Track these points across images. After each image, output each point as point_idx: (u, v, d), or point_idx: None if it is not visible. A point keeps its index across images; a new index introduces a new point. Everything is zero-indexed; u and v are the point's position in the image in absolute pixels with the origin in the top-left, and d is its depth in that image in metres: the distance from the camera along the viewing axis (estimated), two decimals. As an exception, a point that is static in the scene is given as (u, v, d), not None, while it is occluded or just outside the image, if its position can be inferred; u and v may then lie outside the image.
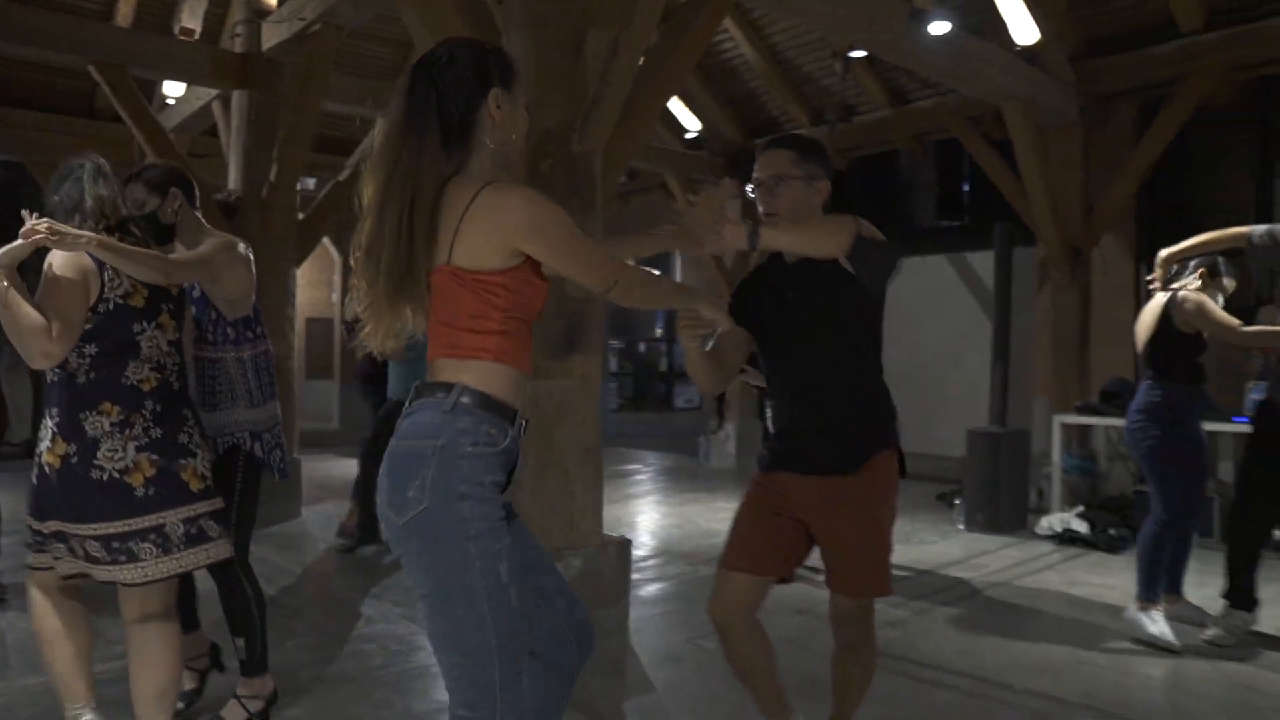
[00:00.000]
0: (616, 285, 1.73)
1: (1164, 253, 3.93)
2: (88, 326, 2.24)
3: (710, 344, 2.24)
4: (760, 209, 2.26)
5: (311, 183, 9.27)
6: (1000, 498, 6.11)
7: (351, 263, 1.79)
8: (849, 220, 2.01)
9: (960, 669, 3.44)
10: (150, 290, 2.36)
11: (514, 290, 1.66)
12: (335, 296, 14.18)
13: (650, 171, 9.95)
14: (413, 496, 1.58)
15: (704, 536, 5.95)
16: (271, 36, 6.11)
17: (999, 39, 6.60)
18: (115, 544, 2.22)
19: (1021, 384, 7.37)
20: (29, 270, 2.17)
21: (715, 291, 2.59)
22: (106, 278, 2.27)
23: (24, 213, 2.07)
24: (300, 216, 6.83)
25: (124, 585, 2.27)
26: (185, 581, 2.93)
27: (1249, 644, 3.75)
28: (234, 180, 6.32)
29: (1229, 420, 5.76)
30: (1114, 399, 6.23)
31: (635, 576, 4.49)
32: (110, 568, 2.24)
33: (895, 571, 4.94)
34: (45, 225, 2.02)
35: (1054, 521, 5.98)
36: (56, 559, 2.33)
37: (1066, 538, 5.79)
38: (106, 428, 2.23)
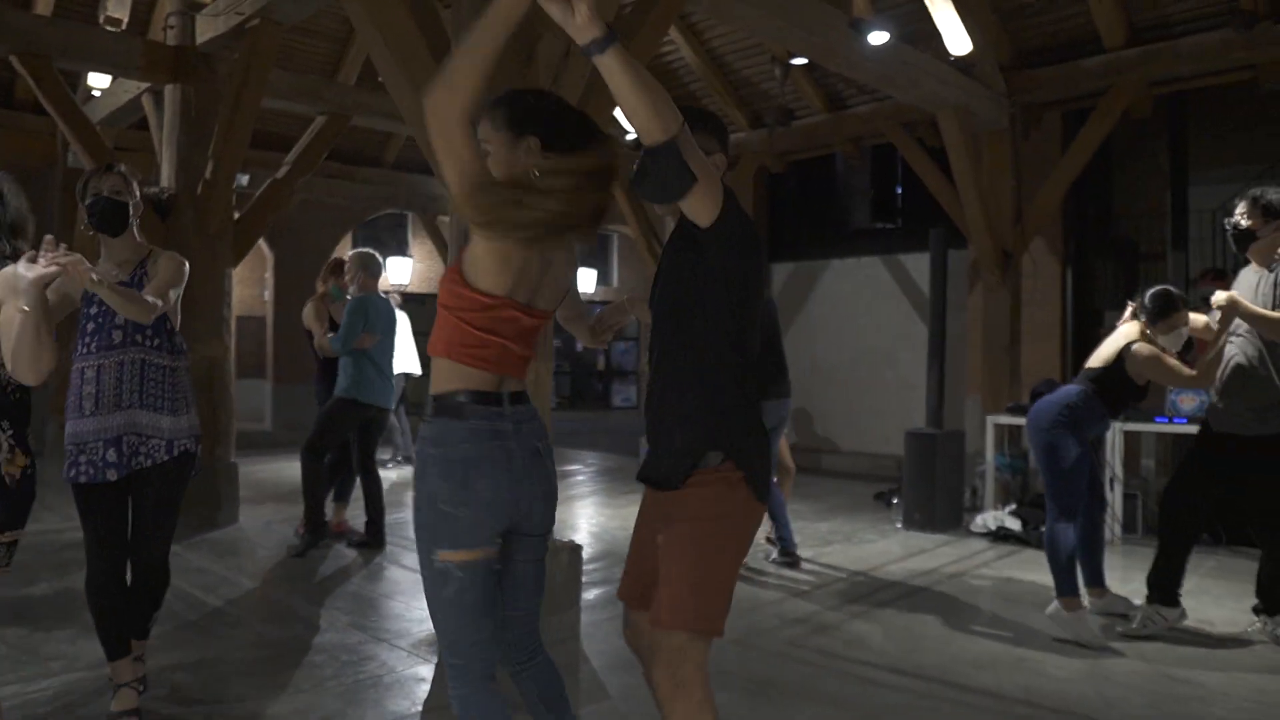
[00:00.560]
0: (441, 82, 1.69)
1: (1221, 298, 3.78)
2: None
3: None
4: None
5: (245, 179, 9.04)
6: (937, 497, 6.28)
7: None
8: (675, 115, 1.67)
9: (905, 668, 3.54)
10: None
11: None
12: (267, 295, 13.84)
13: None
14: None
15: (649, 538, 5.98)
16: (206, 30, 5.96)
17: (933, 49, 6.79)
18: None
19: (954, 383, 7.58)
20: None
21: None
22: None
23: (49, 238, 2.03)
24: (236, 215, 6.69)
25: None
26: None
27: (1172, 636, 3.93)
28: (167, 177, 6.15)
29: (1150, 420, 6.02)
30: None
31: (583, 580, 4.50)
32: None
33: (830, 573, 5.13)
34: (78, 260, 2.01)
35: (988, 519, 6.18)
36: None
37: (1000, 535, 5.98)
38: None
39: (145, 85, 6.65)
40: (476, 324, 1.85)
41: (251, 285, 14.90)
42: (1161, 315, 4.01)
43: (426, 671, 3.43)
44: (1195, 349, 6.21)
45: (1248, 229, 3.82)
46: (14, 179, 2.34)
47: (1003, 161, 7.39)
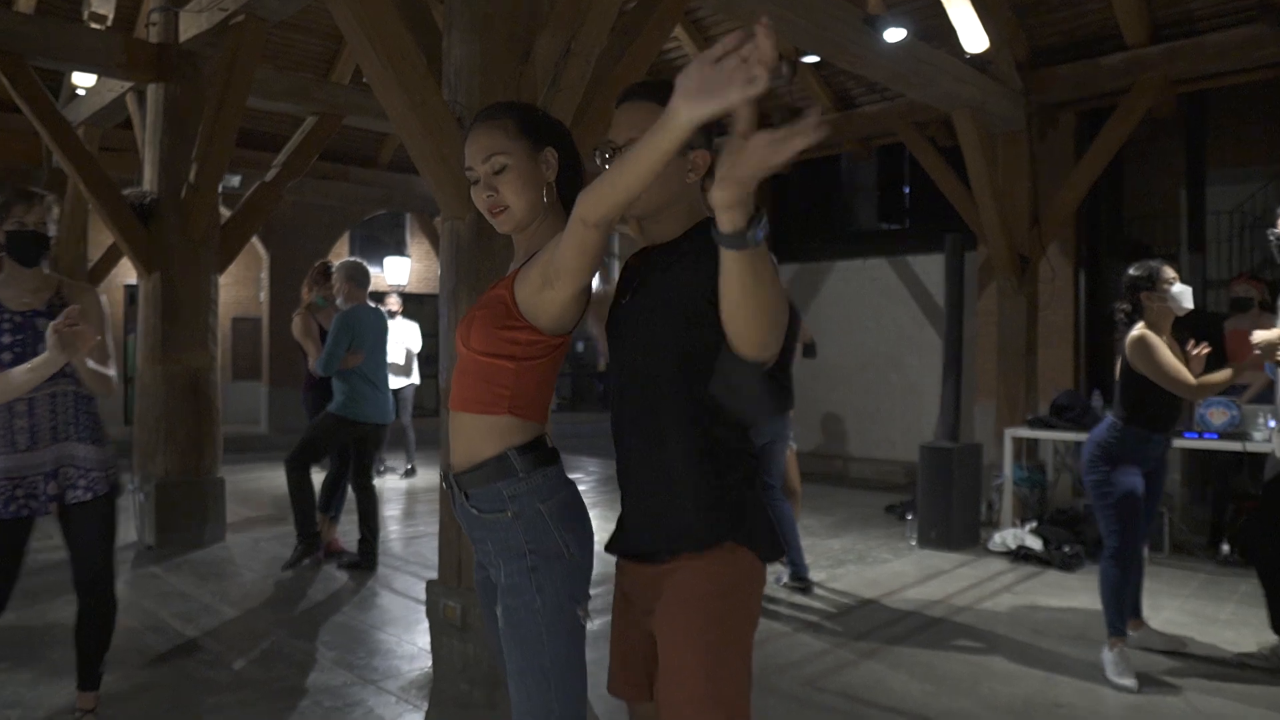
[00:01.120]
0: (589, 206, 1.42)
1: (1261, 338, 3.58)
2: None
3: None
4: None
5: (237, 180, 8.80)
6: (953, 514, 6.02)
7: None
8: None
9: (933, 714, 3.28)
10: None
11: None
12: (263, 295, 13.62)
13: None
14: None
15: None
16: (190, 27, 5.69)
17: (948, 46, 6.52)
18: None
19: (963, 389, 7.33)
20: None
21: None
22: None
23: (73, 310, 2.35)
24: (229, 213, 6.43)
25: None
26: None
27: (1209, 670, 3.67)
28: (149, 180, 5.88)
29: (1179, 436, 5.75)
30: (1064, 412, 6.19)
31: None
32: None
33: (844, 599, 4.87)
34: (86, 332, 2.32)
35: (1007, 537, 5.91)
36: None
37: (1021, 554, 5.72)
38: None
39: (129, 84, 6.40)
40: (549, 371, 1.67)
41: (247, 286, 14.68)
42: (1148, 283, 3.73)
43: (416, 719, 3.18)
44: (1227, 356, 5.97)
45: None
46: None
47: (1019, 162, 7.12)
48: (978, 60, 6.62)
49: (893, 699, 3.41)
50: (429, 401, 13.32)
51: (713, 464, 1.57)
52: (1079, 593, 4.94)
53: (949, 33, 6.60)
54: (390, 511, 7.38)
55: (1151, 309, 3.75)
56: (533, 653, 1.60)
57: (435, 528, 6.64)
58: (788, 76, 8.24)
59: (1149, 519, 3.92)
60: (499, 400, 1.63)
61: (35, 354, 2.59)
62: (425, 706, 3.30)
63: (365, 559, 5.32)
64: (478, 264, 3.27)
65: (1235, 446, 5.37)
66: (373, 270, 5.51)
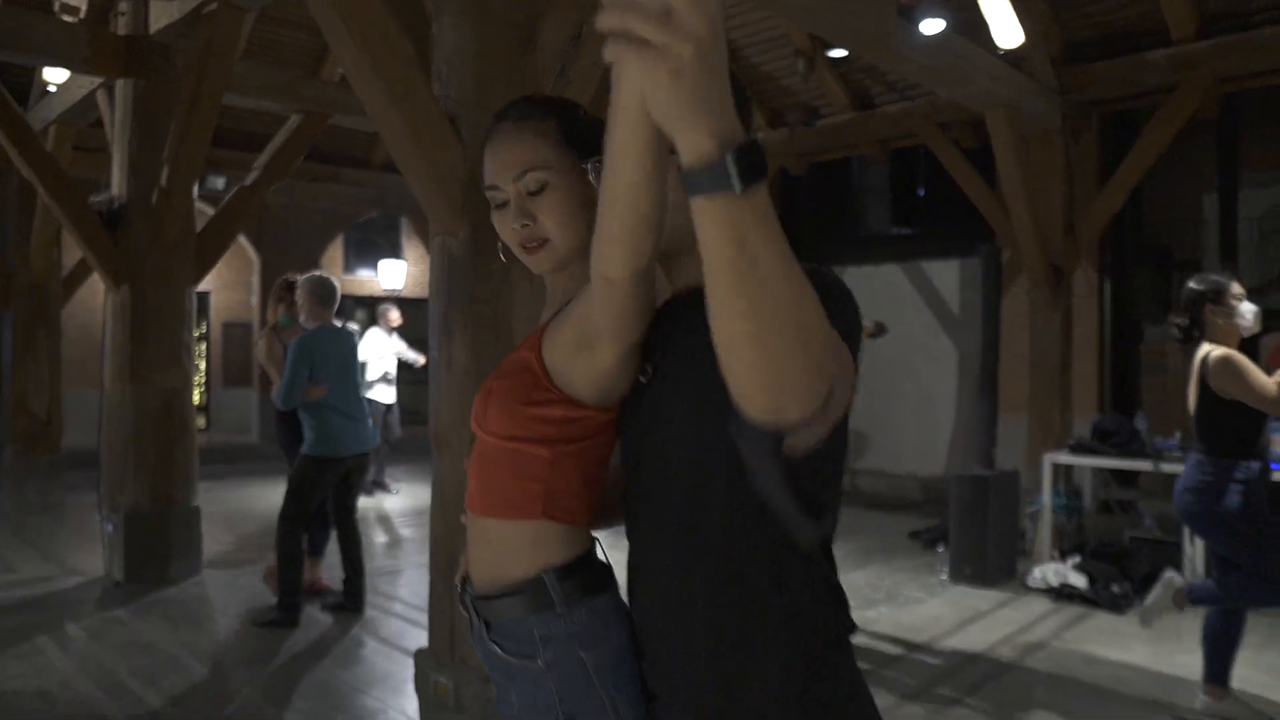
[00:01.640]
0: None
1: None
2: None
3: None
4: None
5: (221, 182, 8.33)
6: (988, 547, 5.55)
7: None
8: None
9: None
10: None
11: None
12: (254, 299, 13.15)
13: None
14: None
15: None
16: (161, 17, 5.22)
17: (978, 41, 6.07)
18: None
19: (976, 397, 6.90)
20: None
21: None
22: None
23: None
24: (212, 215, 5.95)
25: None
26: None
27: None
28: (117, 183, 5.41)
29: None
30: (1109, 437, 5.73)
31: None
32: None
33: (883, 647, 4.41)
34: None
35: (1047, 573, 5.45)
36: None
37: (1065, 593, 5.26)
38: None
39: (99, 80, 5.93)
40: (596, 458, 1.23)
41: (238, 290, 14.22)
42: (1215, 297, 3.35)
43: (399, 822, 2.71)
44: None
45: None
46: None
47: (1052, 166, 6.66)
48: (1011, 56, 6.16)
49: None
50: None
51: (791, 629, 1.06)
52: (1133, 641, 4.47)
53: (979, 27, 6.14)
54: (378, 538, 6.92)
55: (1216, 326, 3.37)
56: None
57: (424, 558, 6.22)
58: (803, 73, 7.81)
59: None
60: (530, 500, 1.19)
61: None
62: (411, 802, 2.84)
63: (351, 600, 4.86)
64: (473, 286, 2.81)
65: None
66: (367, 274, 5.02)
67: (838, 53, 7.35)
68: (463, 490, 2.83)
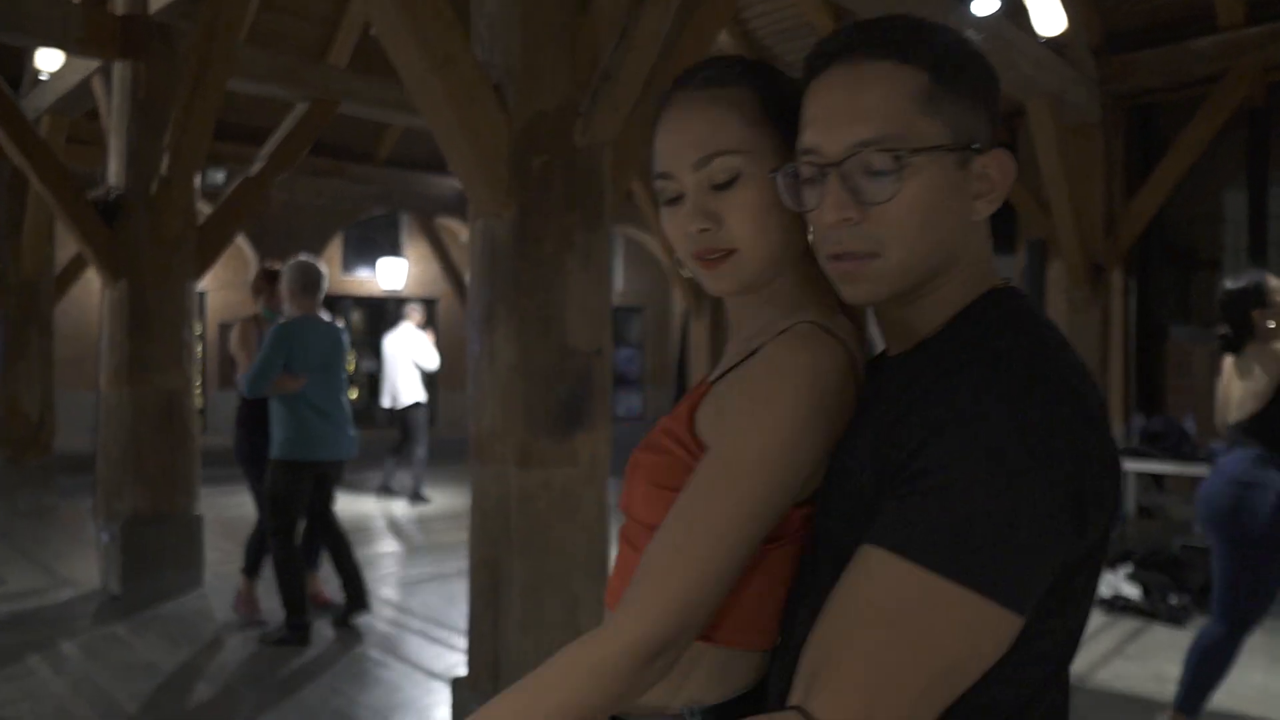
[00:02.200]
0: None
1: None
2: None
3: None
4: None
5: (222, 176, 8.03)
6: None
7: None
8: None
9: None
10: None
11: None
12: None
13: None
14: None
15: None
16: (162, -4, 4.93)
17: (1020, 27, 5.81)
18: None
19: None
20: None
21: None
22: None
23: None
24: (215, 206, 5.65)
25: None
26: None
27: None
28: (115, 173, 5.10)
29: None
30: (1159, 440, 5.47)
31: None
32: None
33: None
34: None
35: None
36: None
37: (1118, 605, 4.98)
38: None
39: (96, 64, 5.62)
40: (777, 568, 0.89)
41: (235, 289, 13.87)
42: (1258, 297, 3.14)
43: None
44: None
45: None
46: None
47: (1093, 160, 6.40)
48: (1052, 44, 5.90)
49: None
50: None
51: None
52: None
53: (1019, 13, 5.88)
54: (388, 548, 6.61)
55: (1263, 328, 3.16)
56: None
57: (443, 568, 5.92)
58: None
59: None
60: (719, 626, 0.89)
61: None
62: None
63: (355, 602, 4.54)
64: (519, 274, 2.52)
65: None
66: (365, 274, 4.69)
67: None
68: (507, 503, 2.52)
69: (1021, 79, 5.61)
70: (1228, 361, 3.31)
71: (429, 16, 2.38)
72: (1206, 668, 3.14)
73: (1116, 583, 5.08)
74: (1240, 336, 3.23)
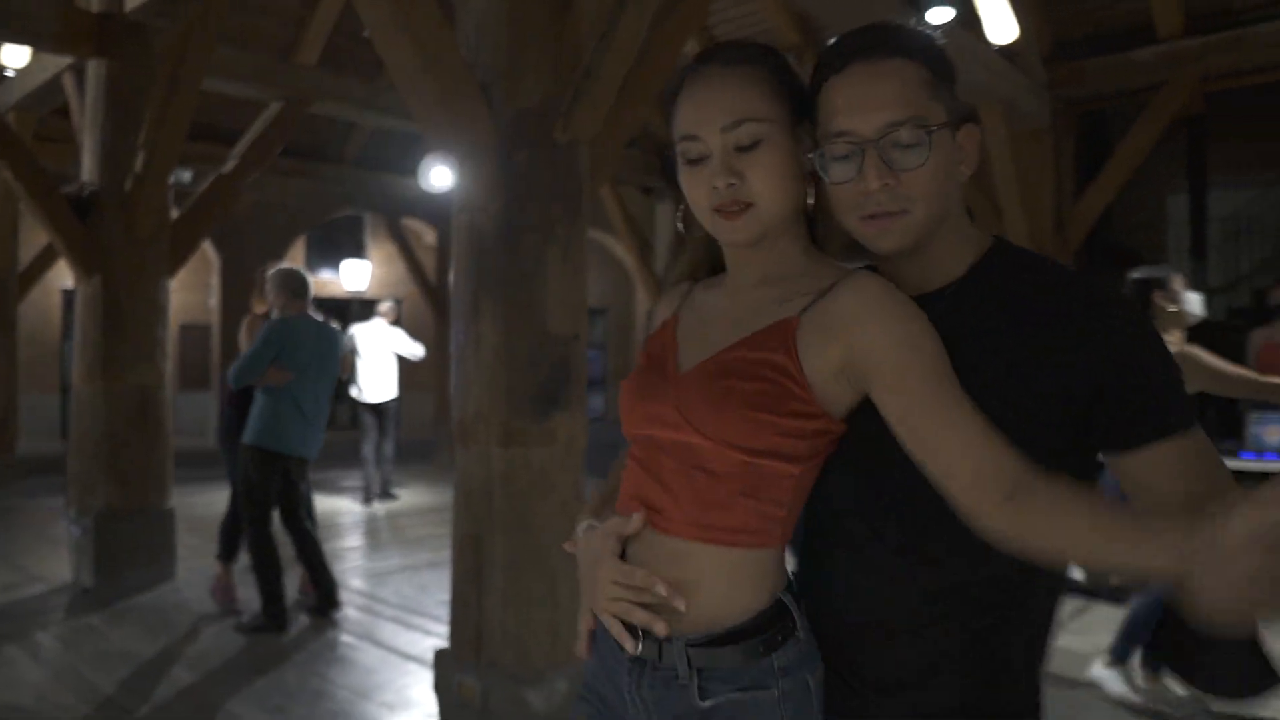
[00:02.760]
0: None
1: None
2: None
3: None
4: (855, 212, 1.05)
5: (188, 176, 8.03)
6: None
7: None
8: None
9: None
10: None
11: None
12: (213, 301, 12.76)
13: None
14: None
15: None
16: (138, -6, 4.97)
17: (972, 34, 6.05)
18: None
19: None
20: None
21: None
22: None
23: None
24: (188, 205, 5.69)
25: None
26: None
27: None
28: (88, 170, 5.14)
29: (1235, 456, 5.32)
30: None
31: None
32: None
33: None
34: None
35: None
36: None
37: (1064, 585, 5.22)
38: None
39: (67, 61, 5.64)
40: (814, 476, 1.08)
41: (196, 290, 13.79)
42: (1161, 284, 3.43)
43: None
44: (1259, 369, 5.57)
45: None
46: None
47: (1042, 164, 6.66)
48: (1004, 51, 6.15)
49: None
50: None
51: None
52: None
53: (972, 20, 6.12)
54: (354, 543, 6.68)
55: (1164, 314, 3.39)
56: None
57: (410, 560, 6.01)
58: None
59: None
60: (771, 525, 1.05)
61: None
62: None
63: (325, 599, 4.63)
64: (505, 265, 2.65)
65: (1300, 469, 4.93)
66: (329, 275, 4.82)
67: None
68: (490, 483, 2.65)
69: (975, 85, 5.84)
70: None
71: (421, 17, 2.51)
72: (1142, 617, 3.53)
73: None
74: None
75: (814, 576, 1.11)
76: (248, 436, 4.36)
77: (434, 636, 4.28)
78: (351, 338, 7.81)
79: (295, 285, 4.49)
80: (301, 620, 4.54)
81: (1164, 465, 0.94)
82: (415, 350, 8.08)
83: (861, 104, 1.01)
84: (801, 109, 1.06)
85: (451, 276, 2.86)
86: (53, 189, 5.00)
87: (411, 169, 7.94)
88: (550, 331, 2.66)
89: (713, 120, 1.03)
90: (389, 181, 10.07)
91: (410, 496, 8.62)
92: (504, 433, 2.66)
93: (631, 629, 1.06)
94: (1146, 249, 9.92)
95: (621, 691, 1.10)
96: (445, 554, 5.93)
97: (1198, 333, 3.68)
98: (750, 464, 1.01)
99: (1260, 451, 5.26)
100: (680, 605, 1.02)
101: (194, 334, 13.85)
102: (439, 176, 6.62)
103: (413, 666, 3.91)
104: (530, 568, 2.67)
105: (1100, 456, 1.01)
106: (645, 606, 1.04)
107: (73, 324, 6.10)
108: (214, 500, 8.14)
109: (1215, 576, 0.76)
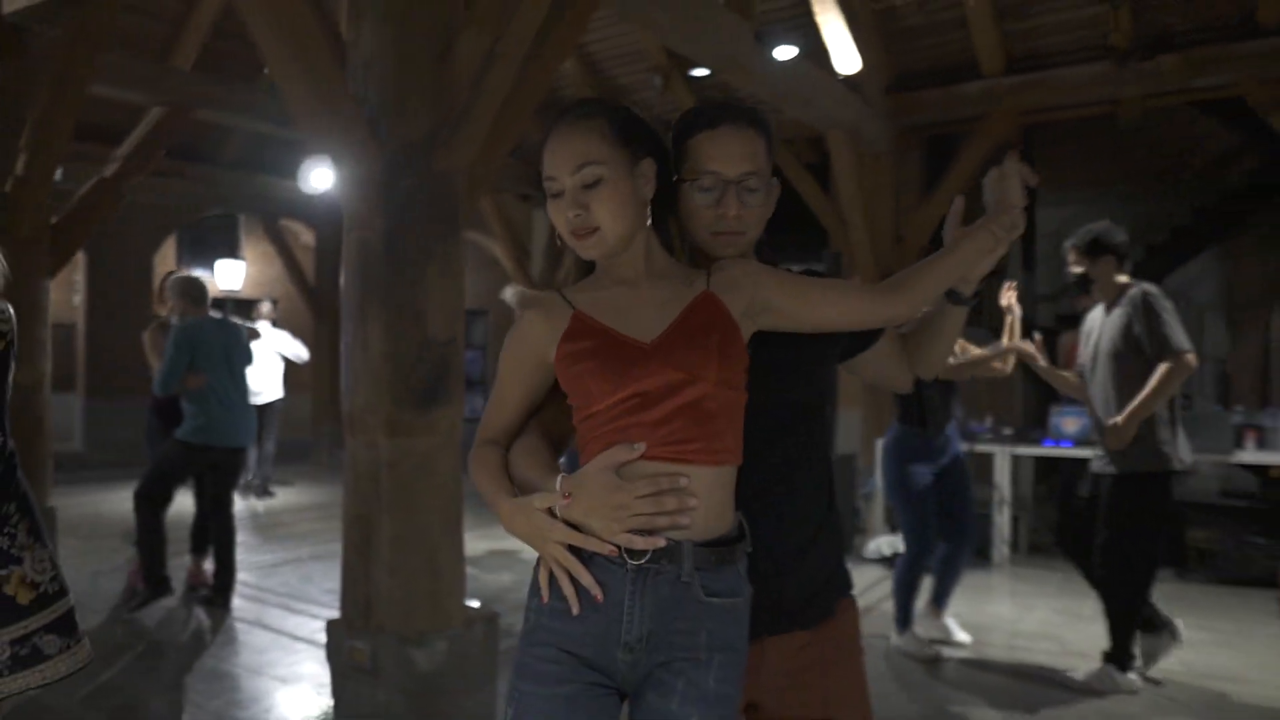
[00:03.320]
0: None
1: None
2: None
3: None
4: (705, 231, 1.47)
5: (58, 174, 7.92)
6: (832, 523, 6.15)
7: None
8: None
9: None
10: None
11: None
12: (78, 299, 12.40)
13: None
14: None
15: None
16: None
17: (821, 66, 6.68)
18: None
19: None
20: None
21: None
22: None
23: None
24: (70, 206, 5.74)
25: None
26: None
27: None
28: (-34, 171, 5.18)
29: (1037, 444, 6.12)
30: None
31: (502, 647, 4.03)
32: None
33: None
34: None
35: (880, 545, 6.10)
36: None
37: (895, 561, 5.89)
38: None
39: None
40: None
41: (58, 288, 13.26)
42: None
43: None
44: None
45: (1082, 275, 3.88)
46: None
47: (884, 182, 7.39)
48: (849, 82, 6.82)
49: None
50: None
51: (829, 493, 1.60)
52: (958, 599, 5.11)
53: (822, 53, 6.76)
54: (241, 538, 6.82)
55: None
56: None
57: (294, 554, 6.23)
58: (659, 88, 8.27)
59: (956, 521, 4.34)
60: (738, 443, 1.37)
61: None
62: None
63: (219, 594, 4.86)
64: (390, 277, 3.03)
65: (1085, 454, 5.74)
66: (201, 274, 5.12)
67: (698, 71, 7.83)
68: (377, 468, 3.02)
69: (823, 113, 6.49)
70: None
71: (318, 59, 2.86)
72: (902, 587, 4.28)
73: (895, 543, 6.01)
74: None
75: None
76: (181, 433, 4.68)
77: (320, 620, 4.55)
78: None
79: (194, 292, 4.84)
80: (196, 611, 4.74)
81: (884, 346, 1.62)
82: (300, 353, 8.27)
83: (727, 155, 1.43)
84: (640, 150, 1.37)
85: (342, 281, 3.21)
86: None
87: (291, 171, 8.10)
88: (431, 336, 3.04)
89: (565, 164, 1.34)
90: (266, 183, 10.10)
91: (290, 494, 8.76)
92: (389, 424, 3.04)
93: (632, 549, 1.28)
94: (987, 259, 10.85)
95: (607, 614, 1.29)
96: (327, 547, 6.23)
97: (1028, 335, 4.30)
98: (734, 397, 1.34)
99: (1059, 439, 6.07)
100: (695, 503, 1.27)
101: (59, 333, 13.35)
102: (318, 179, 6.88)
103: (302, 646, 4.21)
104: (414, 543, 3.05)
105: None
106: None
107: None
108: (84, 503, 8.09)
109: (1003, 229, 1.40)
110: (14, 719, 3.31)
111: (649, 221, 1.41)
